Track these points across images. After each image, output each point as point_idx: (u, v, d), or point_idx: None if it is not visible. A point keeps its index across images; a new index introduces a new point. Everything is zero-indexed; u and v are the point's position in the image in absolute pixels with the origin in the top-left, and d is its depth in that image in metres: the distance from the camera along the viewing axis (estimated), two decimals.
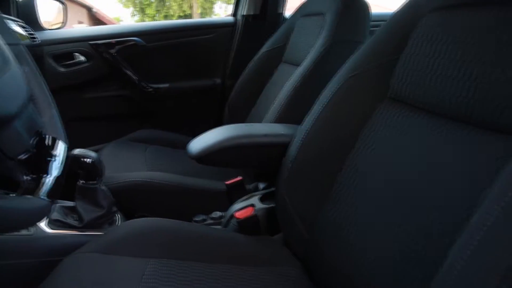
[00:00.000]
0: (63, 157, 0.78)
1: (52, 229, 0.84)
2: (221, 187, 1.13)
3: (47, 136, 0.74)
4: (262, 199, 0.99)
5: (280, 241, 0.89)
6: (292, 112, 1.08)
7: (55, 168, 0.74)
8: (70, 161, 0.85)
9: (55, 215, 0.86)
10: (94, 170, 0.85)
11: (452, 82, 0.58)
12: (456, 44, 0.59)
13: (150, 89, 1.57)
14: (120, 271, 0.66)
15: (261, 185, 1.14)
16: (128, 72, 1.53)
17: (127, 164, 1.18)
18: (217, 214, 1.05)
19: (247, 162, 0.90)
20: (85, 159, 0.84)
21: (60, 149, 0.79)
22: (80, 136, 1.25)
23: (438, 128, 0.59)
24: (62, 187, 0.78)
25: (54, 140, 0.77)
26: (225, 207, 1.05)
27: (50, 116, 0.77)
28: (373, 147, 0.71)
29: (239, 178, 1.07)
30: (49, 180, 0.72)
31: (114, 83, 1.57)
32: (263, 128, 0.93)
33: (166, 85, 1.59)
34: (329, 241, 0.71)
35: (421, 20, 0.68)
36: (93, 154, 0.86)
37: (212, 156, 0.86)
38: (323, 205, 0.77)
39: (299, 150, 0.81)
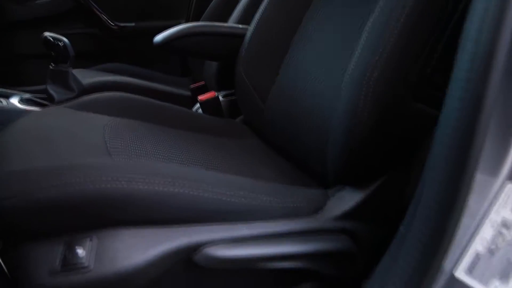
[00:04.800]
0: None
1: (23, 105, 0.89)
2: (186, 93, 1.22)
3: None
4: (224, 97, 1.09)
5: (240, 122, 0.99)
6: None
7: None
8: (43, 43, 0.91)
9: (27, 96, 0.92)
10: (65, 53, 0.91)
11: None
12: None
13: (116, 27, 1.62)
14: (87, 121, 0.71)
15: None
16: (93, 8, 1.58)
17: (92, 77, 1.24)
18: None
19: (210, 51, 0.99)
20: (57, 42, 0.90)
21: None
22: (41, 74, 1.27)
23: None
24: None
25: None
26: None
27: None
28: (311, 24, 0.83)
29: (203, 82, 1.16)
30: None
31: (78, 20, 1.60)
32: (224, 24, 1.03)
33: (132, 24, 1.65)
34: (278, 109, 0.82)
35: None
36: (64, 38, 0.92)
37: (176, 43, 0.94)
38: (275, 78, 0.88)
39: (253, 32, 0.92)
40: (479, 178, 0.40)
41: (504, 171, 0.40)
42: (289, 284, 0.52)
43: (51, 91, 0.92)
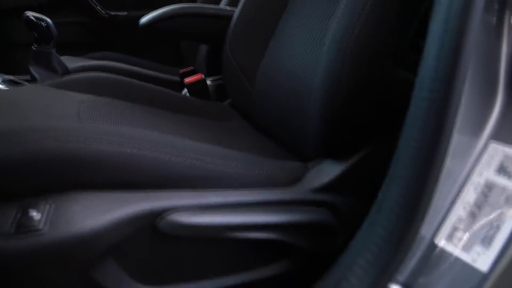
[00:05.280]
0: None
1: (4, 86, 0.87)
2: (175, 79, 1.19)
3: None
4: (212, 81, 1.07)
5: (227, 105, 0.97)
6: None
7: None
8: (24, 23, 0.88)
9: (8, 77, 0.89)
10: (48, 33, 0.89)
11: None
12: None
13: (107, 16, 1.60)
14: (64, 96, 0.68)
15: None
16: None
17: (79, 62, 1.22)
18: None
19: (197, 32, 0.97)
20: (39, 22, 0.88)
21: None
22: None
23: None
24: None
25: None
26: None
27: None
28: (295, 6, 0.80)
29: (191, 67, 1.14)
30: None
31: (69, 9, 1.58)
32: (210, 5, 1.01)
33: (124, 13, 1.63)
34: (265, 91, 0.79)
35: None
36: (47, 18, 0.90)
37: (162, 24, 0.92)
38: (261, 60, 0.86)
39: (239, 13, 0.89)
40: (461, 140, 0.38)
41: (487, 131, 0.37)
42: (267, 259, 0.50)
43: (34, 73, 0.90)
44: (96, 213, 0.37)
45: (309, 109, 0.55)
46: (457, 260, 0.36)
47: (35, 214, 0.37)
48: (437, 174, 0.36)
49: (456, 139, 0.36)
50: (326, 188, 0.51)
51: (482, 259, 0.35)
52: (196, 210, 0.41)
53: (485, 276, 0.35)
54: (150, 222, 0.40)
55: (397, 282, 0.38)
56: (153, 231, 0.40)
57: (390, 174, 0.39)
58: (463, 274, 0.36)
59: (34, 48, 0.90)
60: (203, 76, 0.97)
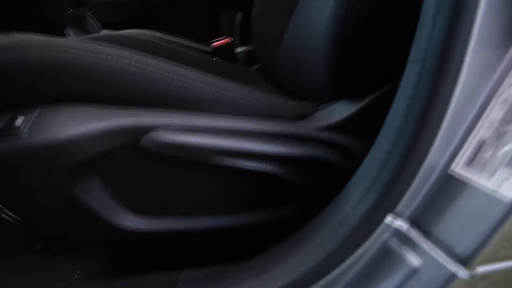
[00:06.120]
0: None
1: None
2: (207, 49, 1.19)
3: None
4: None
5: (254, 70, 0.93)
6: None
7: None
8: None
9: None
10: None
11: None
12: None
13: None
14: None
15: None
16: None
17: None
18: None
19: None
20: None
21: None
22: None
23: None
24: None
25: None
26: None
27: None
28: None
29: (223, 37, 1.12)
30: None
31: None
32: None
33: None
34: (289, 53, 0.74)
35: None
36: None
37: None
38: (289, 22, 0.81)
39: None
40: (484, 53, 0.31)
41: None
42: (267, 200, 0.46)
43: (68, 35, 0.93)
44: (77, 123, 0.36)
45: (322, 52, 0.50)
46: (477, 188, 0.29)
47: (18, 121, 0.36)
48: (451, 84, 0.29)
49: (481, 53, 0.30)
50: (336, 127, 0.45)
51: (508, 185, 0.28)
52: (184, 130, 0.38)
53: (510, 206, 0.28)
54: (134, 139, 0.38)
55: (402, 216, 0.32)
56: (137, 149, 0.38)
57: (398, 88, 0.33)
58: (484, 204, 0.29)
59: (69, 12, 0.93)
60: (230, 40, 0.94)
